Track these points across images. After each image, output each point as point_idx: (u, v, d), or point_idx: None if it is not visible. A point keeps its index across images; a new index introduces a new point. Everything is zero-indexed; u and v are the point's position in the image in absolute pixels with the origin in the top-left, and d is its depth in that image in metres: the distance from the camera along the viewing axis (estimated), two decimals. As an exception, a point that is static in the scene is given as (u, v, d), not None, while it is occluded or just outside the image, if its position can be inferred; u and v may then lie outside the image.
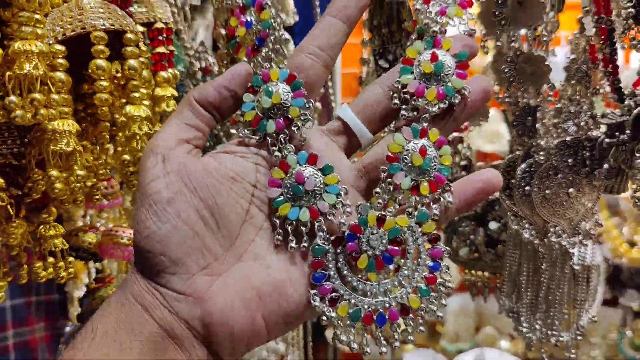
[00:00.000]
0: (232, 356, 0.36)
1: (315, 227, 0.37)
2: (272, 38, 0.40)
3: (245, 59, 0.40)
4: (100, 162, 0.52)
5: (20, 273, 0.53)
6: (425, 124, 0.39)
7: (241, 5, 0.40)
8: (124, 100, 0.50)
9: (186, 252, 0.35)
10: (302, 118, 0.38)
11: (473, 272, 0.74)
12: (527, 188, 0.56)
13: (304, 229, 0.37)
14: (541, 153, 0.55)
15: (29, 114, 0.41)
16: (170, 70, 0.56)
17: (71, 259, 0.56)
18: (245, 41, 0.40)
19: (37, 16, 0.41)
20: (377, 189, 0.38)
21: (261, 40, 0.40)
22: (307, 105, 0.38)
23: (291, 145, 0.38)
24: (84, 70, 0.50)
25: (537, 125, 0.55)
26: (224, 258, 0.36)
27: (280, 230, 0.37)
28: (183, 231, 0.35)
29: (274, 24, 0.40)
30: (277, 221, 0.37)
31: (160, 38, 0.56)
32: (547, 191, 0.56)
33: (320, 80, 0.40)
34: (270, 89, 0.38)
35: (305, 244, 0.37)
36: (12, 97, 0.40)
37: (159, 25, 0.56)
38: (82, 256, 0.65)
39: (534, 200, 0.56)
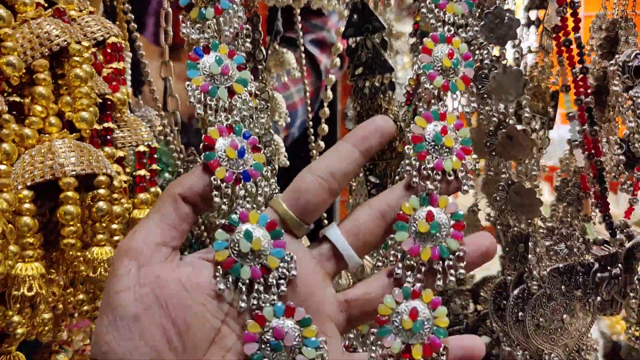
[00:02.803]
0: None
1: None
2: (258, 181, 0.39)
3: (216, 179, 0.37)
4: (69, 291, 0.51)
5: None
6: (418, 285, 0.38)
7: (231, 127, 0.39)
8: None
9: None
10: (280, 270, 0.37)
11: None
12: (520, 314, 0.56)
13: None
14: (534, 283, 0.55)
15: None
16: (152, 189, 0.56)
17: None
18: (229, 164, 0.38)
19: (2, 167, 0.42)
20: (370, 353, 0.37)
21: (248, 176, 0.38)
22: (287, 258, 0.37)
23: (267, 296, 0.36)
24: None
25: (530, 256, 0.55)
26: None
27: None
28: (144, 352, 0.33)
29: (264, 172, 0.40)
30: None
31: (143, 160, 0.56)
32: (540, 319, 0.55)
33: (322, 206, 0.39)
34: (250, 232, 0.36)
35: None
36: None
37: (141, 148, 0.56)
38: None
39: (527, 328, 0.56)
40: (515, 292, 0.56)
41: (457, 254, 0.39)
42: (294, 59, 0.78)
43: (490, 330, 0.65)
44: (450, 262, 0.39)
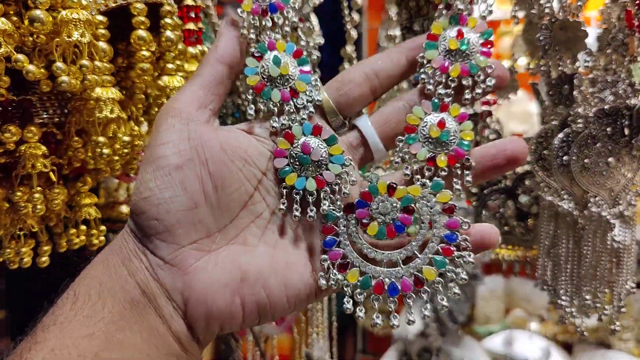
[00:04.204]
0: (206, 335, 0.36)
1: (322, 195, 0.37)
2: (285, 13, 0.40)
3: (241, 12, 0.39)
4: (135, 133, 0.53)
5: (59, 242, 0.54)
6: (447, 99, 0.39)
7: None
8: (157, 74, 0.51)
9: (180, 222, 0.34)
10: (307, 94, 0.38)
11: (501, 249, 0.73)
12: (565, 158, 0.55)
13: (310, 198, 0.37)
14: (579, 121, 0.54)
15: (75, 79, 0.41)
16: (199, 46, 0.57)
17: (103, 227, 0.57)
18: None
19: None
20: (396, 158, 0.38)
21: (274, 7, 0.39)
22: (314, 83, 0.39)
23: (296, 117, 0.38)
24: (117, 44, 0.50)
25: (575, 93, 0.54)
26: (216, 237, 0.36)
27: (285, 201, 0.37)
28: (182, 201, 0.34)
29: (292, 4, 0.40)
30: (285, 190, 0.37)
31: (190, 15, 0.56)
32: (586, 160, 0.55)
33: (361, 100, 0.40)
34: (279, 57, 0.38)
35: (311, 214, 0.37)
36: (59, 64, 0.41)
37: (189, 2, 0.56)
38: (118, 228, 0.66)
39: (572, 170, 0.55)
40: (560, 135, 0.56)
41: (486, 69, 0.39)
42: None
43: (529, 189, 0.65)
44: (480, 78, 0.39)
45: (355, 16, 0.71)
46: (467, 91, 0.39)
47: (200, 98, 0.37)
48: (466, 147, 0.37)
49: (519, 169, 0.66)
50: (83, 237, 0.55)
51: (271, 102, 0.37)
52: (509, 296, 1.21)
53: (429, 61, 0.39)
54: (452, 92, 0.38)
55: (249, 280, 0.35)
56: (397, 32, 0.68)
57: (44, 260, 0.51)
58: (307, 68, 0.39)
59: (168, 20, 0.46)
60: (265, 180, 0.37)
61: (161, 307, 0.34)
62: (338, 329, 0.93)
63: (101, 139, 0.45)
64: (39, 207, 0.46)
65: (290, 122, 0.37)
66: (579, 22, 0.52)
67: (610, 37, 0.58)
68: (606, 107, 0.55)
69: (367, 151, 0.40)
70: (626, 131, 0.55)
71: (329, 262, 0.36)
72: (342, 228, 0.37)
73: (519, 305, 1.19)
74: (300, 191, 0.37)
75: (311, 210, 0.37)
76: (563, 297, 0.59)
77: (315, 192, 0.37)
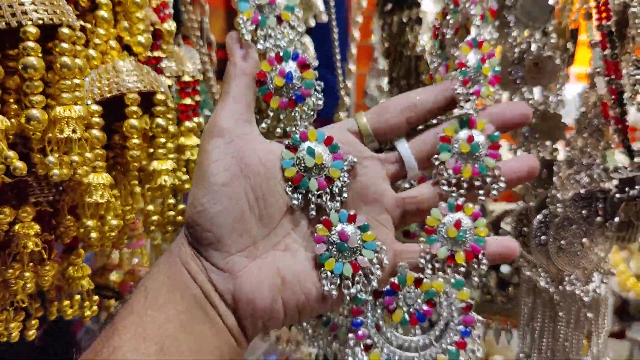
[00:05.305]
0: (253, 331, 0.40)
1: (355, 280, 0.40)
2: (312, 99, 0.42)
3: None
4: (128, 207, 0.54)
5: (50, 310, 0.55)
6: (461, 200, 0.42)
7: (279, 54, 0.42)
8: (151, 150, 0.53)
9: (230, 233, 0.38)
10: (341, 179, 0.41)
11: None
12: (542, 238, 0.59)
13: (347, 281, 0.40)
14: (558, 205, 0.58)
15: (65, 170, 0.43)
16: (195, 119, 0.59)
17: (96, 298, 0.57)
18: (280, 92, 0.42)
19: (77, 81, 0.43)
20: (421, 260, 0.42)
21: (301, 97, 0.42)
22: (345, 168, 0.41)
23: (332, 204, 0.41)
24: (115, 122, 0.52)
25: (554, 179, 0.58)
26: (260, 244, 0.40)
27: (332, 284, 0.40)
28: (231, 214, 0.38)
29: (316, 85, 0.42)
30: (328, 273, 0.40)
31: (187, 90, 0.59)
32: (562, 242, 0.58)
33: (396, 129, 0.43)
34: (312, 148, 0.41)
35: (352, 291, 0.40)
36: (50, 158, 0.42)
37: (186, 78, 0.59)
38: (105, 295, 0.68)
39: (549, 250, 0.59)
40: (539, 217, 0.59)
41: (494, 170, 0.42)
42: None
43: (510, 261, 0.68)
44: (489, 179, 0.42)
45: (352, 67, 0.74)
46: (481, 191, 0.42)
47: (236, 112, 0.40)
48: (481, 242, 0.42)
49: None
50: (76, 308, 0.56)
51: (310, 192, 0.41)
52: (488, 343, 1.24)
53: (442, 162, 0.43)
54: (465, 193, 0.42)
55: (288, 283, 0.39)
56: (384, 83, 0.71)
57: (32, 333, 0.51)
58: (339, 153, 0.41)
59: (160, 108, 0.49)
60: None
61: (217, 305, 0.38)
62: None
63: (90, 223, 0.46)
64: (28, 285, 0.48)
65: (327, 208, 0.41)
66: (559, 115, 0.56)
67: (587, 122, 0.62)
68: (582, 191, 0.59)
69: (401, 169, 0.44)
70: (600, 213, 0.59)
71: (354, 340, 0.40)
72: (370, 311, 0.41)
73: (498, 352, 1.21)
74: (338, 275, 0.40)
75: (348, 289, 0.40)
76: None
77: (350, 275, 0.40)
